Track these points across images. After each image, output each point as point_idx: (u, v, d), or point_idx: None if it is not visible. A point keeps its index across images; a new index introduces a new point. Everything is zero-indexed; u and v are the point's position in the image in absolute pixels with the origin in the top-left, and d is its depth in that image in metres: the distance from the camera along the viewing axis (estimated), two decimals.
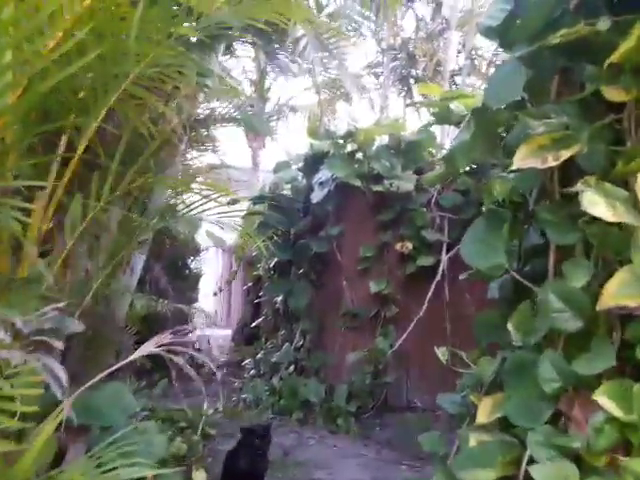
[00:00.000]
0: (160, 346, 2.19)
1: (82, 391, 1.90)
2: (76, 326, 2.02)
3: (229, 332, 10.85)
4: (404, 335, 4.86)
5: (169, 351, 2.24)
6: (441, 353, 2.41)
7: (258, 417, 4.80)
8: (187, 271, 8.57)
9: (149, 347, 1.69)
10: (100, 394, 2.06)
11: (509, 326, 1.94)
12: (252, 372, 6.54)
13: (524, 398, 1.71)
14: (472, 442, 1.92)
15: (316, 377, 5.43)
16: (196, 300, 13.10)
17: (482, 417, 1.95)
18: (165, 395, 5.97)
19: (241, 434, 2.84)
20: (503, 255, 1.85)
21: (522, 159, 1.68)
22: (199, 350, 8.06)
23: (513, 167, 1.70)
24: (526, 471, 1.65)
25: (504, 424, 1.92)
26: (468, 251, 1.94)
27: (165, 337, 1.71)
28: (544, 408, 1.63)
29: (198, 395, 6.53)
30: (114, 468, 1.54)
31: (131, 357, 1.66)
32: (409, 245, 5.04)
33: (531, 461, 1.65)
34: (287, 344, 5.76)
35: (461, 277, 2.34)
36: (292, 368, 5.71)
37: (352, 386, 4.95)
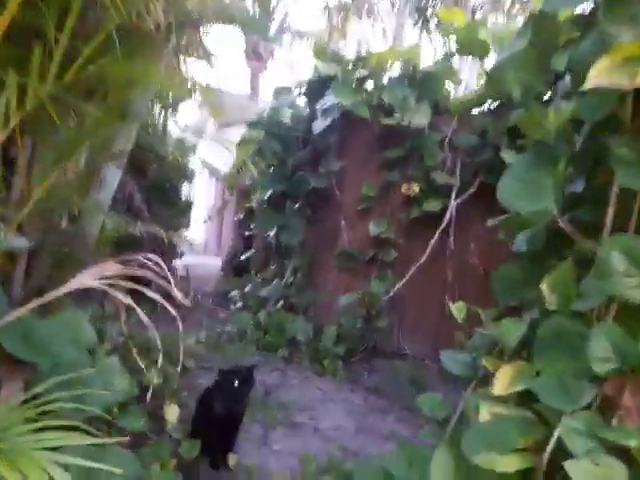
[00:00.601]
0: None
1: (23, 317, 1.59)
2: (20, 242, 1.68)
3: (219, 262, 10.60)
4: (402, 281, 4.59)
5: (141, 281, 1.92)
6: (456, 309, 2.08)
7: (242, 351, 4.60)
8: (177, 197, 8.18)
9: (84, 278, 1.35)
10: (49, 324, 1.74)
11: (543, 286, 1.61)
12: (239, 305, 6.33)
13: (559, 374, 1.42)
14: (484, 415, 1.65)
15: (305, 316, 5.21)
16: (187, 227, 12.64)
17: (500, 388, 1.67)
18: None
19: (219, 375, 2.57)
20: (551, 199, 1.49)
21: (598, 76, 1.28)
22: (184, 278, 7.83)
23: (585, 86, 1.31)
24: (551, 459, 1.38)
25: (524, 397, 1.64)
26: (507, 191, 1.57)
27: (109, 265, 1.37)
28: (585, 390, 1.34)
29: (182, 323, 6.33)
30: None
31: (65, 287, 1.32)
32: (416, 187, 4.67)
33: (559, 448, 1.37)
34: (277, 279, 5.50)
35: (490, 223, 1.99)
36: (280, 304, 5.48)
37: (342, 328, 4.73)
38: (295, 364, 4.49)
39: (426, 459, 1.99)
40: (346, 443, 3.04)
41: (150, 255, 1.62)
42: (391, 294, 4.53)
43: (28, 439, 1.21)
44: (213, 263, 11.13)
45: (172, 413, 2.83)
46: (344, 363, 4.45)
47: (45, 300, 1.49)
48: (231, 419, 2.54)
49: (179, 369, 3.95)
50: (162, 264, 1.64)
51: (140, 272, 1.57)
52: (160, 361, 3.93)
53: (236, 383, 2.46)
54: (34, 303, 1.48)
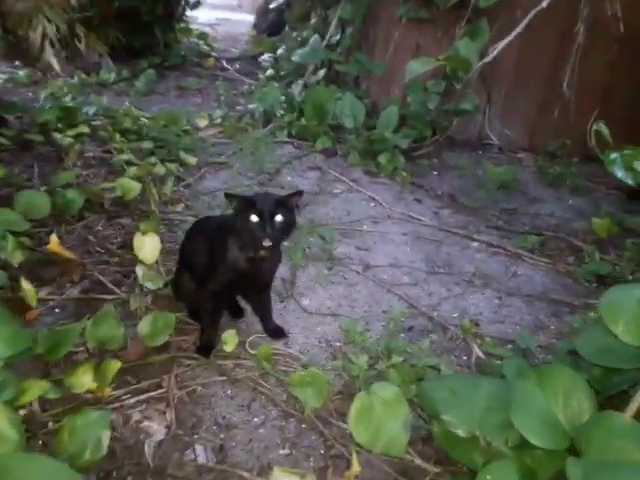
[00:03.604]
0: None
1: None
2: None
3: (252, 18, 8.66)
4: (507, 38, 2.99)
5: None
6: None
7: (265, 140, 3.37)
8: None
9: None
10: None
11: None
12: (269, 73, 4.89)
13: None
14: None
15: (355, 90, 3.81)
16: None
17: None
18: (150, 91, 4.48)
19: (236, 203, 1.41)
20: None
21: None
22: (204, 35, 6.22)
23: None
24: None
25: None
26: None
27: None
28: None
29: (196, 97, 5.06)
30: None
31: None
32: None
33: None
34: (316, 37, 3.93)
35: None
36: (322, 73, 4.04)
37: (407, 109, 3.37)
38: (340, 160, 3.28)
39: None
40: (412, 292, 2.01)
41: None
42: (490, 58, 2.98)
43: None
44: (247, 20, 9.20)
45: (148, 249, 1.77)
46: (407, 159, 3.20)
47: None
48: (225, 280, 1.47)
49: (176, 168, 2.84)
50: None
51: None
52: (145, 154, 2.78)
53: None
54: None
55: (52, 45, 1.98)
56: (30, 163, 2.59)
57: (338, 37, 4.09)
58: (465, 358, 1.67)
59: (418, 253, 2.31)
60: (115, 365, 1.30)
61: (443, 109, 3.28)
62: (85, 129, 3.00)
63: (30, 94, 3.97)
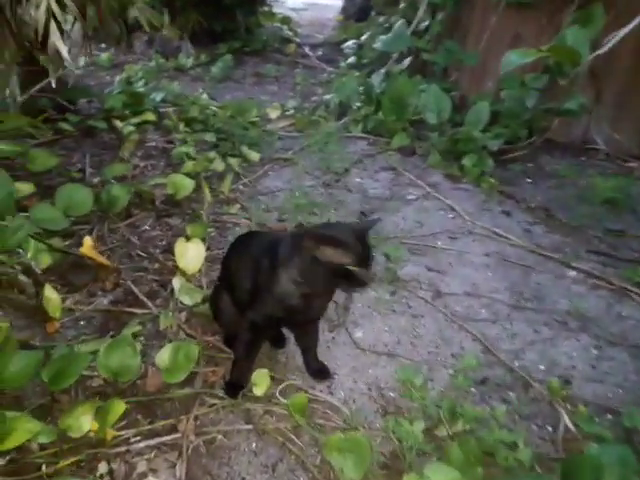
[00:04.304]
0: None
1: None
2: None
3: (340, 3, 8.34)
4: (626, 28, 2.49)
5: None
6: None
7: (337, 134, 3.10)
8: None
9: None
10: None
11: None
12: (351, 60, 4.59)
13: None
14: None
15: (442, 82, 3.42)
16: None
17: None
18: (226, 78, 4.35)
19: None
20: None
21: None
22: (287, 20, 6.01)
23: None
24: None
25: None
26: None
27: None
28: None
29: (272, 85, 4.87)
30: None
31: None
32: None
33: None
34: (402, 22, 3.57)
35: None
36: (407, 62, 3.69)
37: (500, 106, 2.95)
38: (417, 161, 2.94)
39: None
40: (491, 331, 1.67)
41: None
42: (605, 49, 2.51)
43: None
44: (335, 5, 8.91)
45: (191, 257, 1.59)
46: (497, 163, 2.80)
47: None
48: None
49: (238, 163, 2.63)
50: None
51: None
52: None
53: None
54: None
55: (60, 29, 1.70)
56: (90, 151, 2.50)
57: (427, 23, 3.71)
58: (550, 429, 1.33)
59: (502, 280, 1.95)
60: (119, 407, 1.11)
61: (543, 107, 2.83)
62: (151, 117, 2.89)
63: (108, 77, 3.96)
